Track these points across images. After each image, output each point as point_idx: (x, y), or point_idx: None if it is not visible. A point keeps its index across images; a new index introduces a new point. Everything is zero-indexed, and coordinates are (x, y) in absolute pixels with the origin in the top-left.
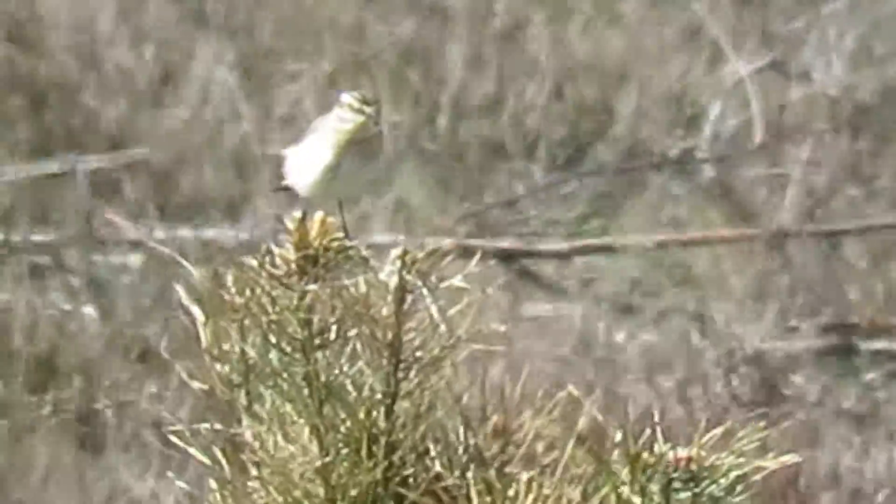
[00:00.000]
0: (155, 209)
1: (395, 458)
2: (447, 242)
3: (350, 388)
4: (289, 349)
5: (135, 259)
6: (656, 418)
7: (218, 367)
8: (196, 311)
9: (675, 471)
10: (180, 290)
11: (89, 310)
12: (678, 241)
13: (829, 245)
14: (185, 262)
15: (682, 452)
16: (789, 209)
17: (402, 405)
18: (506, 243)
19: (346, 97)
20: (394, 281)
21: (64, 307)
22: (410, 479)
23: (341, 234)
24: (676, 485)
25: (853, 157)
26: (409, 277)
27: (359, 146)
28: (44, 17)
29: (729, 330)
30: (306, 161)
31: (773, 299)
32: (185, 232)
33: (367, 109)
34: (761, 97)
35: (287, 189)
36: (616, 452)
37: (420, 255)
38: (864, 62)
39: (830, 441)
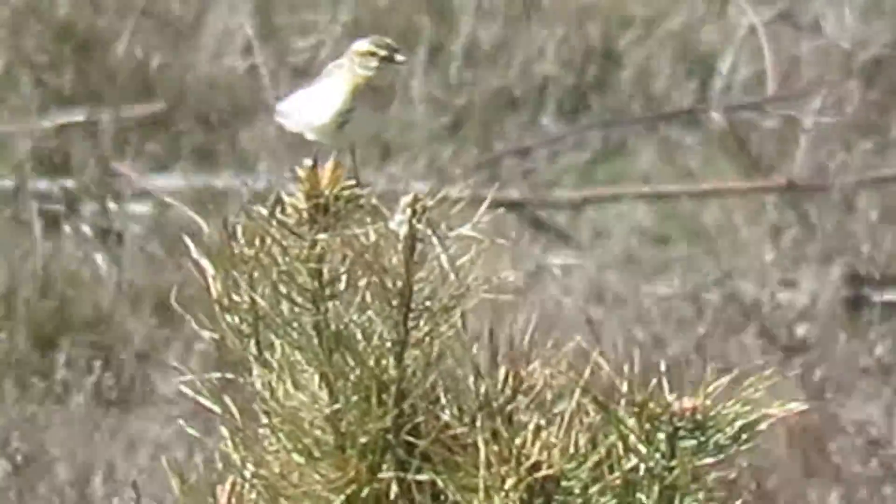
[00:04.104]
0: (170, 159)
1: (405, 406)
2: (458, 191)
3: (360, 336)
4: (299, 299)
5: (148, 209)
6: (662, 368)
7: (228, 317)
8: (206, 262)
9: (681, 420)
10: (189, 242)
11: (101, 259)
12: (689, 193)
13: (841, 197)
14: (193, 214)
15: (688, 402)
16: (801, 161)
17: (412, 354)
18: (517, 193)
19: (365, 43)
20: (404, 230)
21: (76, 255)
22: (420, 428)
23: (352, 182)
24: (682, 433)
25: (865, 109)
26: (418, 226)
27: (373, 93)
28: None
29: (740, 281)
30: (317, 104)
31: (784, 251)
32: (198, 181)
33: (399, 58)
34: (772, 48)
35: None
36: (622, 402)
37: (430, 203)
38: (875, 14)
39: (846, 392)
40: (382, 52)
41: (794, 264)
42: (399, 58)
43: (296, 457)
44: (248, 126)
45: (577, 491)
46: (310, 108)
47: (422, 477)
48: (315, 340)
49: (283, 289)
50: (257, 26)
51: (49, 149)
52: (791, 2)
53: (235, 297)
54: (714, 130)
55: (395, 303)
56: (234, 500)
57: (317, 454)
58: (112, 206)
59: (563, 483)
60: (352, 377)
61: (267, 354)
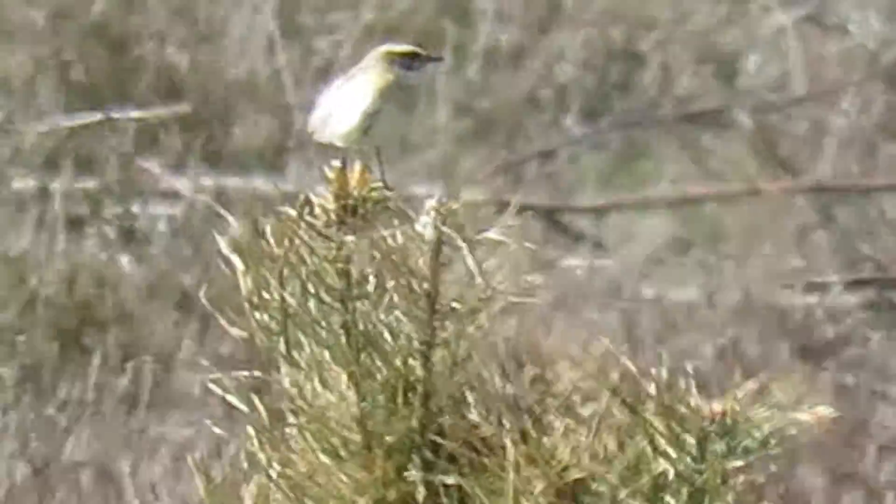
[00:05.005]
0: (195, 160)
1: (432, 406)
2: (484, 195)
3: (387, 336)
4: (327, 298)
5: (173, 209)
6: (690, 371)
7: (257, 315)
8: (236, 260)
9: (711, 423)
10: (220, 240)
11: (125, 259)
12: (714, 196)
13: (867, 199)
14: (225, 213)
15: (717, 405)
16: (828, 163)
17: (439, 354)
18: (541, 198)
19: (393, 46)
20: (429, 232)
21: (100, 256)
22: (447, 428)
23: (380, 185)
24: (712, 437)
25: (890, 112)
26: (444, 229)
27: (400, 95)
28: None
29: (767, 284)
30: (343, 110)
31: (811, 254)
32: (224, 181)
33: (435, 57)
34: (799, 49)
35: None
36: (651, 405)
37: (455, 206)
38: None
39: (875, 396)
40: (413, 54)
41: (822, 267)
42: (429, 60)
43: (322, 456)
44: (275, 127)
45: (605, 494)
46: (335, 115)
47: (448, 479)
48: (343, 340)
49: (311, 288)
50: (281, 27)
51: (73, 149)
52: (818, 5)
53: (265, 295)
54: (739, 132)
55: (421, 304)
56: (259, 500)
57: (343, 454)
58: (136, 205)
59: (592, 486)
60: (379, 377)
61: (295, 353)
